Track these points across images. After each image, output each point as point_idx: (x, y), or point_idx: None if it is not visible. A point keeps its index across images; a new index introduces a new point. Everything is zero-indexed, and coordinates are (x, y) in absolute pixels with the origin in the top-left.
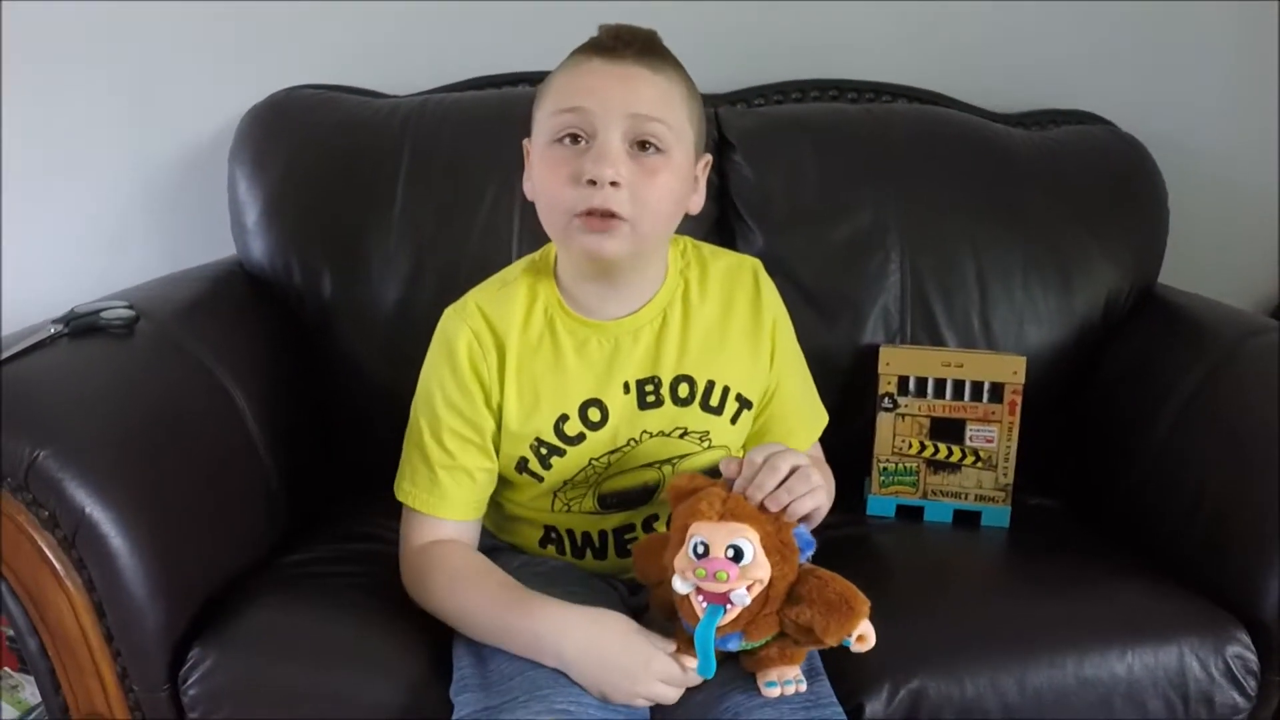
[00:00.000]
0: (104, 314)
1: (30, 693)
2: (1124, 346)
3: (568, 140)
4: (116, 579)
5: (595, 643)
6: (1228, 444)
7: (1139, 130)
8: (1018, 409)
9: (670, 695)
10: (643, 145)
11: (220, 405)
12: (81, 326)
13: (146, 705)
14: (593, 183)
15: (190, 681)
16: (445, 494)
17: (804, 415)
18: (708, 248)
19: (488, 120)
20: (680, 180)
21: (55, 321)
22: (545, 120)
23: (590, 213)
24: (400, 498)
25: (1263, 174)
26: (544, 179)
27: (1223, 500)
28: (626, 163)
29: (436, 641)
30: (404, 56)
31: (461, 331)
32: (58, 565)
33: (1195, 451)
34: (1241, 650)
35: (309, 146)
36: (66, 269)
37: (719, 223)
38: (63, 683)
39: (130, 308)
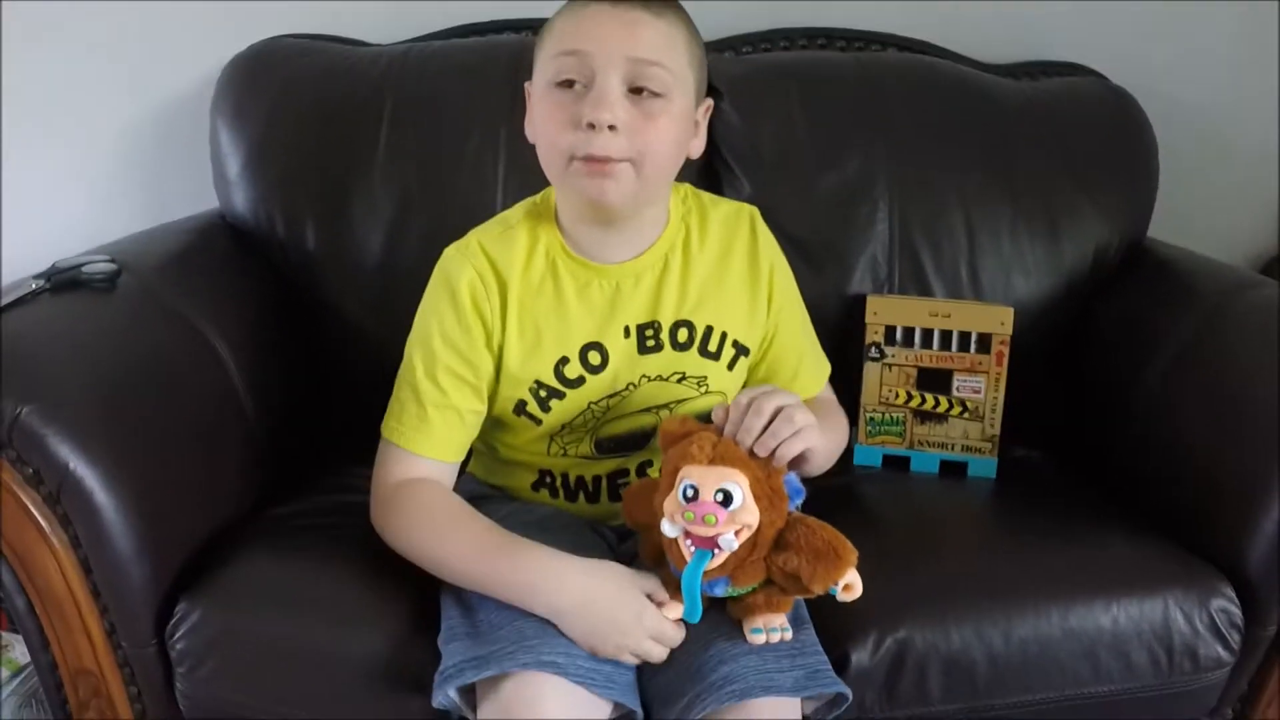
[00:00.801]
0: (85, 268)
1: (20, 652)
2: (1112, 300)
3: (567, 83)
4: (101, 535)
5: (590, 594)
6: (1216, 398)
7: (1129, 82)
8: (1005, 360)
9: (658, 653)
10: (641, 90)
11: (204, 358)
12: (63, 281)
13: (134, 660)
14: (591, 126)
15: (177, 636)
16: (432, 431)
17: (806, 361)
18: (707, 195)
19: (471, 67)
20: (680, 125)
21: (36, 277)
22: (545, 63)
23: (589, 158)
24: (385, 434)
25: (1254, 129)
26: (543, 122)
27: (1210, 454)
28: (625, 107)
29: (423, 592)
30: (386, 5)
31: (465, 269)
32: (43, 522)
33: (1183, 406)
34: (1226, 604)
35: (291, 97)
36: (50, 226)
37: (705, 170)
38: (51, 640)
39: (112, 262)
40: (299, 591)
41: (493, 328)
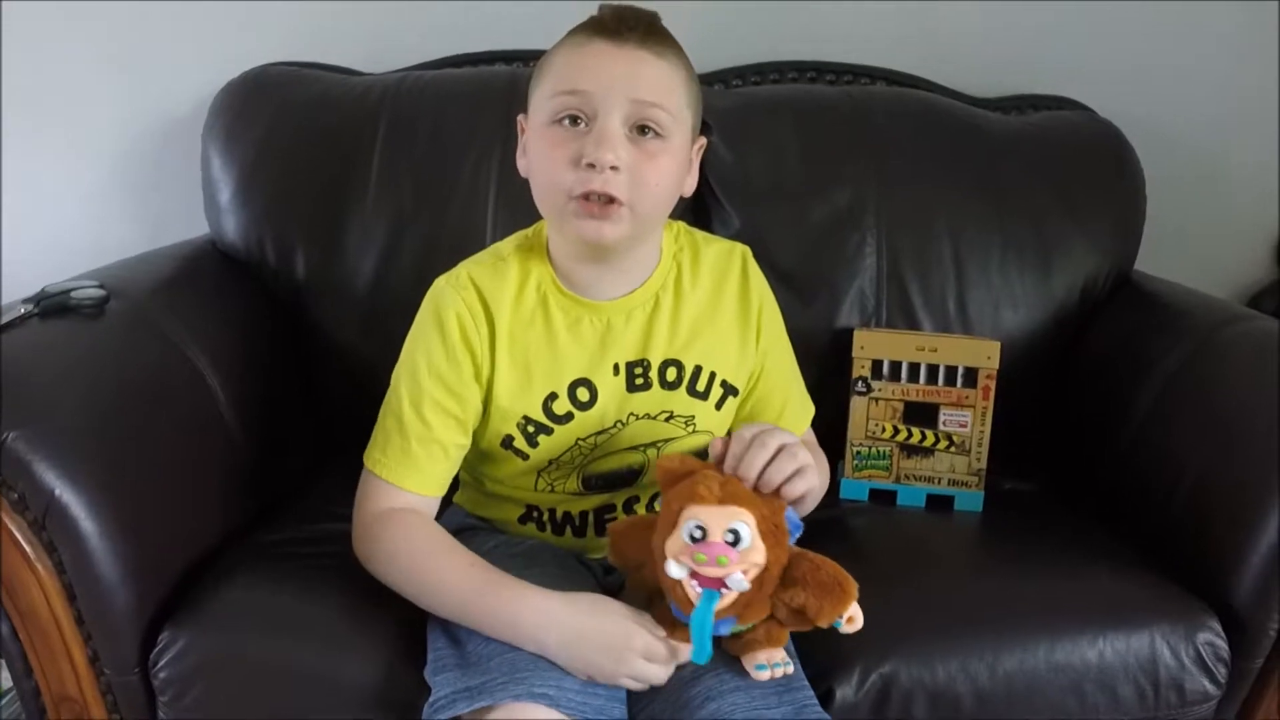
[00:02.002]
0: (74, 293)
1: (5, 677)
2: (1101, 332)
3: (567, 121)
4: (86, 561)
5: (577, 628)
6: (1204, 431)
7: (1117, 115)
8: (991, 394)
9: (658, 674)
10: (642, 129)
11: (192, 384)
12: (52, 306)
13: (117, 688)
14: (591, 166)
15: (160, 664)
16: (416, 465)
17: (792, 403)
18: (700, 234)
19: (464, 95)
20: (678, 164)
21: (25, 301)
22: (544, 101)
23: (588, 196)
24: (369, 465)
25: (1243, 161)
26: (541, 159)
27: (1198, 487)
28: (626, 146)
29: (411, 621)
30: (380, 34)
31: (454, 301)
32: (27, 548)
33: (1171, 438)
34: (1213, 637)
35: (283, 123)
36: (40, 249)
37: (695, 203)
38: (34, 666)
39: (101, 287)
40: (285, 619)
41: (481, 361)
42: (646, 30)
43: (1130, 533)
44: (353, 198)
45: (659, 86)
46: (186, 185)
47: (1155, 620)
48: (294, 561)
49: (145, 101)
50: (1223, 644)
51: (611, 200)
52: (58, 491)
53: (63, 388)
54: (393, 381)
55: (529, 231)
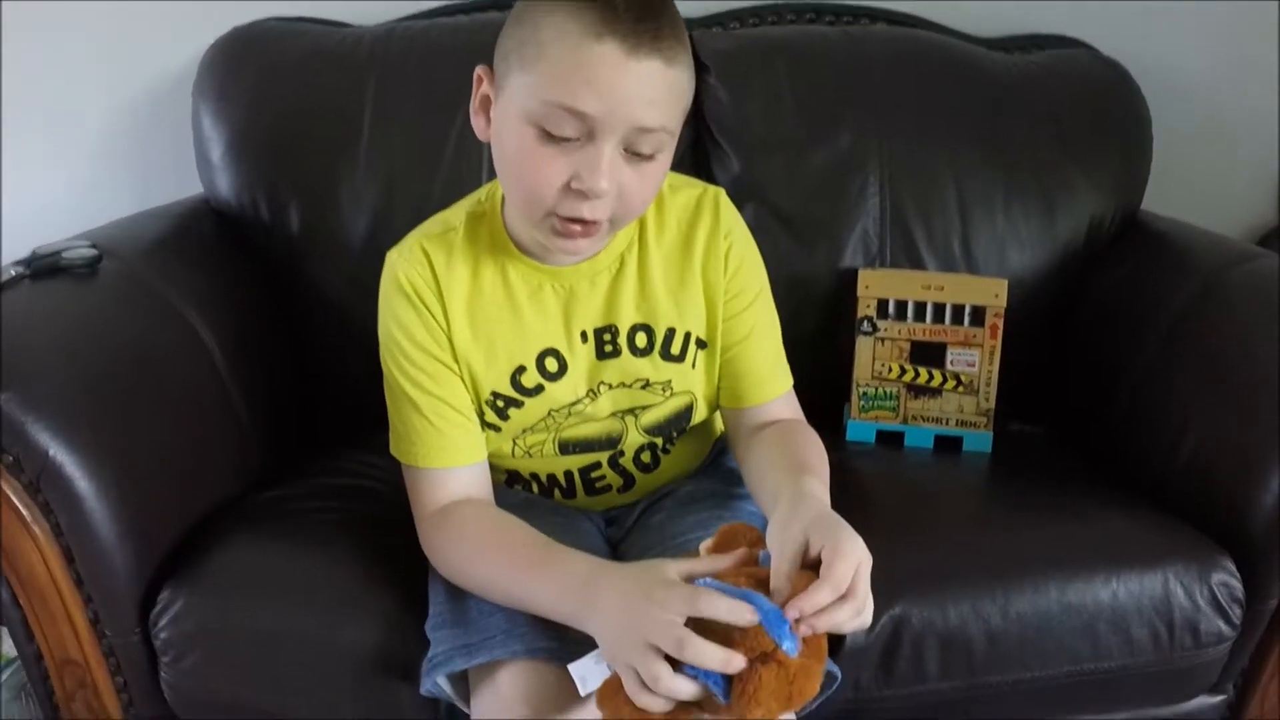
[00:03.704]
0: (66, 254)
1: (9, 645)
2: (1108, 273)
3: (560, 137)
4: (83, 522)
5: (635, 588)
6: (1213, 371)
7: (1122, 54)
8: (999, 333)
9: (677, 688)
10: (639, 150)
11: (187, 342)
12: (43, 268)
13: (119, 651)
14: (583, 193)
15: (160, 625)
16: (448, 441)
17: (774, 363)
18: (668, 182)
19: (456, 48)
20: (665, 169)
21: (16, 264)
22: (532, 96)
23: (572, 220)
24: (403, 459)
25: (1250, 101)
26: (524, 171)
27: (1208, 427)
28: (621, 169)
29: (414, 577)
30: None
31: (406, 269)
32: (24, 511)
33: (1180, 379)
34: (1227, 578)
35: (274, 79)
36: (33, 211)
37: (694, 146)
38: (35, 630)
39: (93, 247)
40: (285, 578)
41: (442, 328)
42: (660, 28)
43: (1139, 474)
44: (346, 152)
45: (666, 107)
46: (179, 146)
47: (1168, 560)
48: (293, 519)
49: (135, 62)
50: (1237, 584)
51: (597, 222)
52: (52, 452)
53: (55, 348)
54: (383, 367)
55: (481, 195)
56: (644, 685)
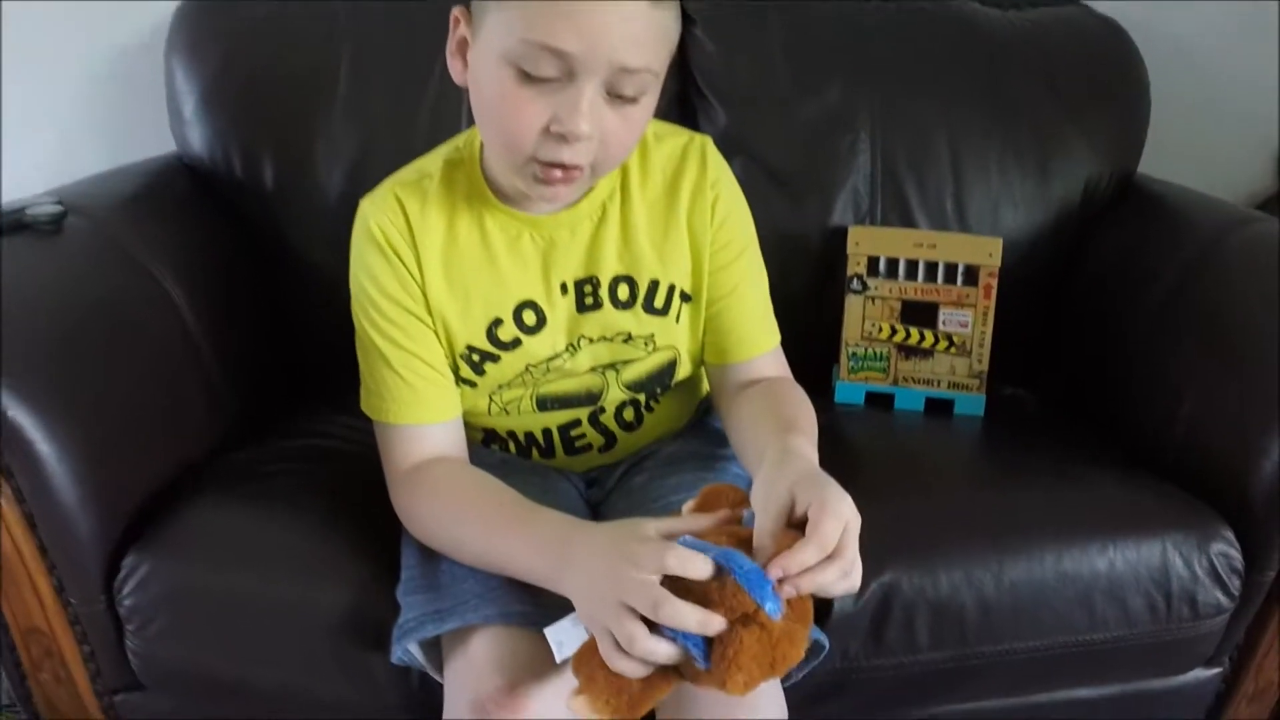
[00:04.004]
0: (30, 211)
1: None
2: (1104, 235)
3: (539, 78)
4: (44, 486)
5: (610, 545)
6: (1212, 337)
7: (1118, 13)
8: (993, 293)
9: (653, 649)
10: (622, 93)
11: (155, 301)
12: (6, 224)
13: (85, 618)
14: (563, 137)
15: (125, 591)
16: (420, 397)
17: (761, 319)
18: (653, 129)
19: None
20: (649, 115)
21: None
22: (509, 34)
23: (553, 165)
24: (373, 415)
25: (1249, 64)
26: (501, 114)
27: (1206, 394)
28: (602, 112)
29: (390, 541)
30: None
31: (378, 218)
32: None
33: (1177, 345)
34: (1226, 548)
35: (247, 30)
36: (7, 174)
37: (679, 99)
38: None
39: (59, 204)
40: (254, 542)
41: (415, 279)
42: None
43: (1135, 441)
44: (321, 105)
45: (651, 46)
46: (155, 106)
47: (1167, 529)
48: (265, 481)
49: (108, 20)
50: (1236, 554)
51: (578, 167)
52: (11, 413)
53: (15, 306)
54: (355, 320)
55: (459, 141)
56: (619, 648)
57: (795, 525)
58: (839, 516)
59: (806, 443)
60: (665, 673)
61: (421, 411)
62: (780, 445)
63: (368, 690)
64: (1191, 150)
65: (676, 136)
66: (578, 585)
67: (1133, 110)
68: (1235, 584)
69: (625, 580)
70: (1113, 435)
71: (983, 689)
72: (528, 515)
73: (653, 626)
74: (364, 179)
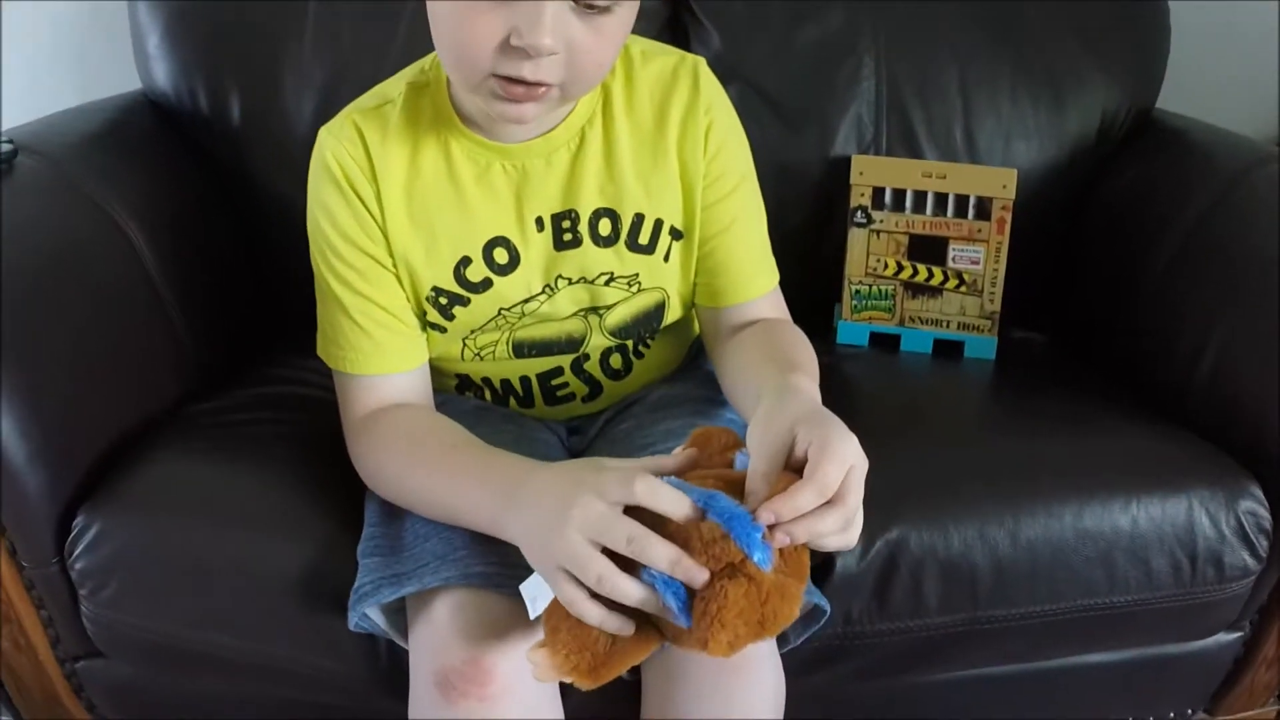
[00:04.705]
0: None
1: None
2: (1121, 172)
3: None
4: None
5: (566, 477)
6: (1235, 280)
7: None
8: (1007, 227)
9: (622, 587)
10: (592, 2)
11: (113, 243)
12: None
13: (39, 582)
14: (523, 51)
15: (76, 553)
16: (379, 345)
17: (759, 259)
18: (639, 47)
19: None
20: (626, 30)
21: None
22: None
23: (513, 81)
24: (330, 363)
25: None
26: (457, 28)
27: (1230, 340)
28: (568, 23)
29: (352, 494)
30: None
31: (338, 151)
32: None
33: (1197, 288)
34: (1255, 506)
35: None
36: None
37: (671, 22)
38: None
39: (9, 141)
40: (213, 498)
41: (378, 219)
42: None
43: (1154, 389)
44: (289, 36)
45: None
46: (120, 49)
47: (1193, 485)
48: (227, 432)
49: None
50: (1265, 513)
51: (542, 84)
52: None
53: None
54: (312, 261)
55: (425, 63)
56: (582, 589)
57: (794, 468)
58: (842, 459)
59: (809, 381)
60: (641, 636)
61: (381, 361)
62: (780, 382)
63: (334, 658)
64: (1211, 87)
65: (666, 56)
66: (525, 525)
67: (1153, 41)
68: (1263, 545)
69: (582, 510)
70: (1127, 381)
71: (994, 655)
72: (483, 458)
73: (628, 571)
74: (334, 112)
